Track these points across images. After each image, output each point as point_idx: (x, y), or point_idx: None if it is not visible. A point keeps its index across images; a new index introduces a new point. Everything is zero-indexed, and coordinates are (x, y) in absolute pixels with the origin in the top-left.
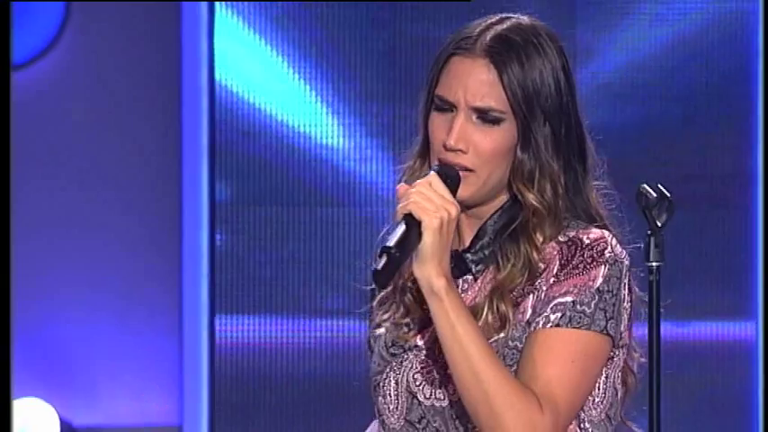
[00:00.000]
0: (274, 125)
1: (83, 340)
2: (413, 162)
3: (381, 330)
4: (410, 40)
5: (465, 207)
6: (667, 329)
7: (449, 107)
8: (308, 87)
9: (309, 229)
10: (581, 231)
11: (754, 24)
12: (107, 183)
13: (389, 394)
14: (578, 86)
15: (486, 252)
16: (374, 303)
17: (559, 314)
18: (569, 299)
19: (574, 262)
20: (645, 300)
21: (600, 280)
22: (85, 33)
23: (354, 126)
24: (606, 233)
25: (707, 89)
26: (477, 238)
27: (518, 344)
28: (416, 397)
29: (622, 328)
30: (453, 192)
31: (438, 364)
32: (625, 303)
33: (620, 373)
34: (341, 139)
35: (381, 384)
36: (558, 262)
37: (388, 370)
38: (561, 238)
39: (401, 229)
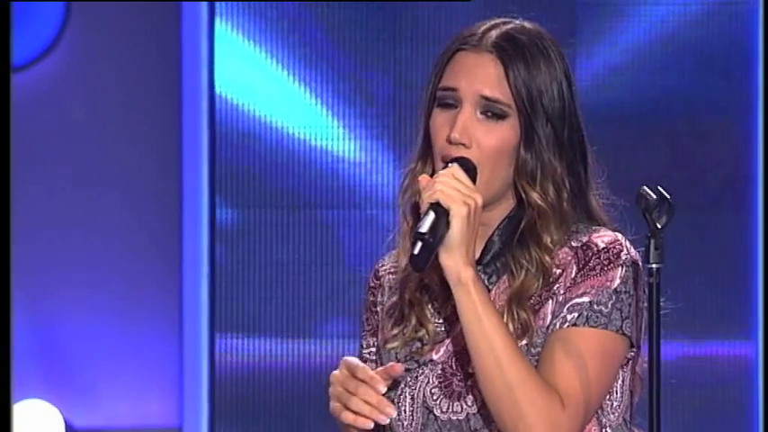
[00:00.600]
0: (274, 127)
1: (83, 342)
2: (414, 165)
3: (392, 345)
4: (411, 41)
5: None
6: (668, 348)
7: (452, 102)
8: (307, 90)
9: (309, 231)
10: (594, 235)
11: (755, 25)
12: (107, 184)
13: (404, 410)
14: (578, 87)
15: (498, 264)
16: (374, 314)
17: (576, 314)
18: (586, 299)
19: (590, 264)
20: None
21: (617, 281)
22: (85, 35)
23: (355, 128)
24: (620, 236)
25: (707, 90)
26: (486, 249)
27: (540, 350)
28: (432, 412)
29: (637, 329)
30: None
31: (457, 377)
32: (640, 304)
33: (632, 377)
34: (341, 141)
35: (395, 400)
36: (574, 266)
37: (402, 385)
38: (574, 243)
39: (431, 216)
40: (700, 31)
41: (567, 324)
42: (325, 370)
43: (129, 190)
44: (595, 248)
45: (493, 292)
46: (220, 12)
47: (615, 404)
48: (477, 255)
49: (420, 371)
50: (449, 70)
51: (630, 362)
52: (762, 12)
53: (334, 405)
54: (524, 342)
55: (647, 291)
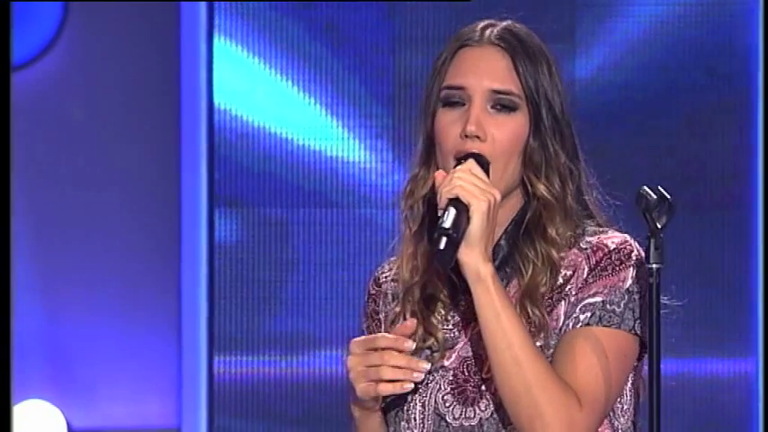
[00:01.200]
0: (273, 127)
1: (81, 343)
2: (418, 170)
3: None
4: (411, 41)
5: None
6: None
7: (459, 100)
8: (306, 90)
9: (308, 231)
10: (603, 236)
11: (755, 24)
12: (105, 184)
13: (414, 418)
14: (579, 88)
15: (508, 269)
16: (374, 321)
17: (589, 314)
18: (599, 299)
19: (602, 264)
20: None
21: (629, 281)
22: (84, 34)
23: (354, 128)
24: (628, 236)
25: (707, 90)
26: (494, 254)
27: (553, 351)
28: (444, 419)
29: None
30: None
31: (471, 383)
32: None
33: (637, 379)
34: (341, 142)
35: (405, 408)
36: (585, 267)
37: (412, 393)
38: (583, 245)
39: (452, 211)
40: (699, 30)
41: (580, 324)
42: (328, 372)
43: (127, 190)
44: (606, 249)
45: None
46: (219, 11)
47: (625, 407)
48: None
49: (430, 377)
50: (453, 69)
51: (638, 363)
52: (762, 11)
53: (363, 386)
54: (540, 344)
55: (647, 291)
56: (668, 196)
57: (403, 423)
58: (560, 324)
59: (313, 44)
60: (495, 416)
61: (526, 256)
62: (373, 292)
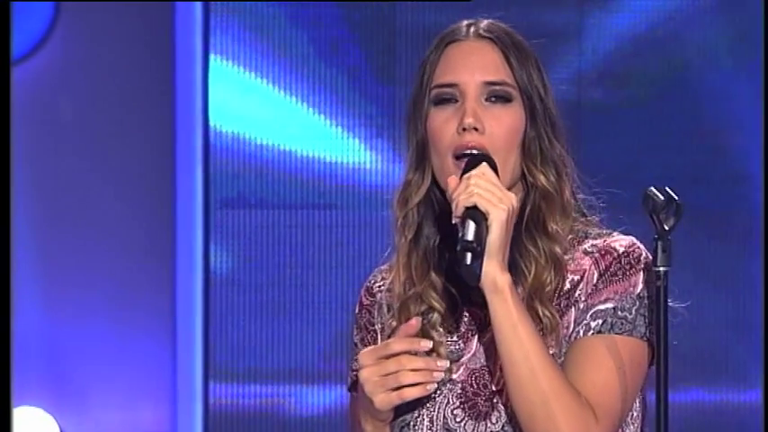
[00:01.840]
0: (270, 126)
1: (75, 349)
2: (411, 176)
3: None
4: (410, 40)
5: None
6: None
7: (452, 97)
8: (305, 90)
9: (307, 233)
10: (609, 239)
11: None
12: (99, 187)
13: None
14: (583, 87)
15: (513, 277)
16: (370, 333)
17: (600, 321)
18: (610, 305)
19: (612, 269)
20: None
21: (640, 286)
22: (75, 34)
23: (354, 128)
24: (634, 238)
25: (715, 86)
26: None
27: (564, 359)
28: None
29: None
30: None
31: (481, 396)
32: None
33: (644, 385)
34: (340, 141)
35: (412, 423)
36: (595, 272)
37: (419, 408)
38: (589, 248)
39: (472, 223)
40: (708, 26)
41: (592, 331)
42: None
43: (122, 192)
44: (615, 253)
45: None
46: (215, 10)
47: (635, 414)
48: None
49: (438, 392)
50: (441, 67)
51: (649, 369)
52: (762, 12)
53: (382, 397)
54: (552, 351)
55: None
56: (676, 197)
57: None
58: (570, 331)
59: (311, 44)
60: (506, 429)
61: (529, 253)
62: (367, 302)
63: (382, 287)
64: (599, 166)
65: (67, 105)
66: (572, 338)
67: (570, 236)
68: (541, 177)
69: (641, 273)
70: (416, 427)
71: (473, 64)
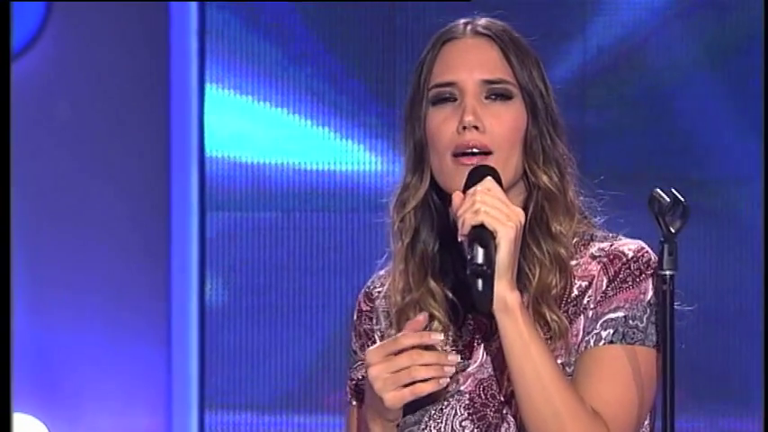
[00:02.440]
0: (266, 127)
1: (67, 355)
2: (409, 179)
3: None
4: (411, 40)
5: None
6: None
7: (450, 96)
8: (305, 90)
9: (305, 235)
10: (617, 243)
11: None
12: (92, 188)
13: None
14: (589, 81)
15: (517, 281)
16: (369, 340)
17: (612, 330)
18: (621, 314)
19: (621, 276)
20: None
21: (650, 292)
22: (66, 34)
23: (353, 128)
24: (642, 242)
25: (720, 85)
26: None
27: (573, 369)
28: None
29: None
30: None
31: (490, 407)
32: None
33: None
34: (339, 142)
35: None
36: (604, 278)
37: (426, 419)
38: (596, 252)
39: (480, 248)
40: (713, 25)
41: (603, 342)
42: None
43: (115, 194)
44: (624, 258)
45: None
46: (211, 13)
47: (646, 422)
48: None
49: (446, 403)
50: (439, 66)
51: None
52: (762, 12)
53: (393, 394)
54: (561, 361)
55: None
56: (682, 199)
57: None
58: (580, 340)
59: (309, 43)
60: None
61: (533, 255)
62: (366, 308)
63: (381, 293)
64: (602, 166)
65: (58, 106)
66: (582, 348)
67: (575, 239)
68: (544, 177)
69: (651, 278)
70: None
71: (471, 62)
